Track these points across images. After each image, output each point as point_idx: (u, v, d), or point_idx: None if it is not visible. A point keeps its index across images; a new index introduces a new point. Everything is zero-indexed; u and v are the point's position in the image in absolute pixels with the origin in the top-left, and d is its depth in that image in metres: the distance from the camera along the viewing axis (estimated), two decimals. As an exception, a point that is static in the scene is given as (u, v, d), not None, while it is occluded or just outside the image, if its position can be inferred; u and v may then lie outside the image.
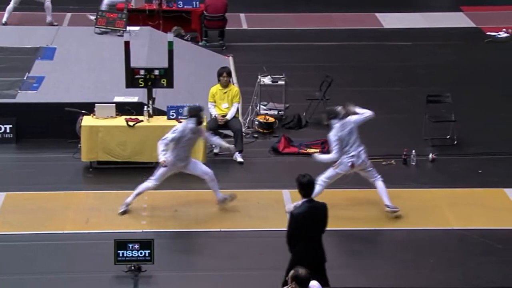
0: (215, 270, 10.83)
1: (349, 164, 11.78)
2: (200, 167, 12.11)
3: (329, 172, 11.90)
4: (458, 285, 9.69)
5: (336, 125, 11.79)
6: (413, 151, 13.64)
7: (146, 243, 10.21)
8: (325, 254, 9.54)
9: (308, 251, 9.39)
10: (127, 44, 13.50)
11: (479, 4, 22.10)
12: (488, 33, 20.02)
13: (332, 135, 11.78)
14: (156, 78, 13.52)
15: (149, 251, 10.17)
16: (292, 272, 8.29)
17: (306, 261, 9.13)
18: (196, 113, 11.86)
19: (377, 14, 21.45)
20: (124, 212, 11.96)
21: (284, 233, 11.49)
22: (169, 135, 11.75)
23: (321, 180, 11.84)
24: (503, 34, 19.87)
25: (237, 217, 12.04)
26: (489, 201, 12.40)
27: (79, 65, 15.86)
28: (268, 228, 11.76)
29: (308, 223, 9.38)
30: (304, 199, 9.44)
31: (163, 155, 11.67)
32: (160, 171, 11.86)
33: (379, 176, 11.96)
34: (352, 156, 11.77)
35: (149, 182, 11.90)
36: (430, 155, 13.79)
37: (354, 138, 11.80)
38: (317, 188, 11.57)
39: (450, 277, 9.92)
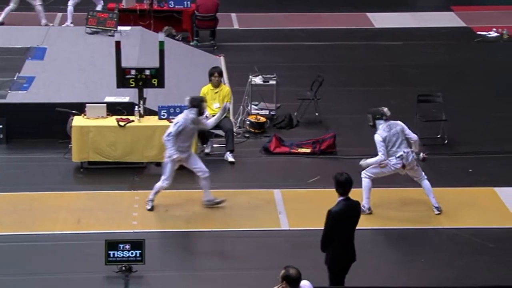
0: (206, 270, 10.83)
1: (399, 165, 11.81)
2: (200, 163, 12.09)
3: (374, 167, 11.89)
4: (449, 284, 9.71)
5: (381, 126, 11.81)
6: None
7: (137, 244, 10.21)
8: (355, 253, 9.58)
9: (343, 249, 9.46)
10: (118, 44, 13.49)
11: (470, 4, 22.15)
12: (479, 32, 20.07)
13: (377, 136, 11.82)
14: (147, 78, 13.50)
15: (140, 251, 10.17)
16: (282, 271, 8.28)
17: (343, 259, 9.34)
18: (198, 103, 11.88)
19: (368, 14, 21.47)
20: (152, 208, 12.02)
21: (275, 233, 11.65)
22: (172, 129, 11.73)
23: (365, 174, 11.90)
24: (493, 34, 19.93)
25: (228, 217, 12.04)
26: (479, 200, 12.43)
27: (69, 65, 15.83)
28: (259, 228, 11.77)
29: (345, 221, 9.44)
30: (341, 197, 9.47)
31: (174, 152, 11.67)
32: (168, 168, 11.85)
33: (425, 176, 11.99)
34: (400, 157, 11.78)
35: (163, 182, 11.91)
36: (421, 155, 13.81)
37: (401, 139, 11.84)
38: (365, 182, 11.77)
39: (442, 276, 9.94)
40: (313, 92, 15.43)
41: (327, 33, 20.36)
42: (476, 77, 17.53)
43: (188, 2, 19.24)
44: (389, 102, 16.07)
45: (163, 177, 11.94)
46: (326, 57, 18.97)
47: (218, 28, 19.26)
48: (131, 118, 13.44)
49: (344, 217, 9.42)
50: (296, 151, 14.07)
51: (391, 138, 11.80)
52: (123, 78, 13.50)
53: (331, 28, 20.62)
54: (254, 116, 14.99)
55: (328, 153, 14.01)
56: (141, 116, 13.45)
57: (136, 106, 13.55)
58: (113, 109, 13.71)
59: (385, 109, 12.01)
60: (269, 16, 21.37)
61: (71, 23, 19.20)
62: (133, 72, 13.50)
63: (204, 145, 13.97)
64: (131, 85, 13.55)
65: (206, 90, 14.06)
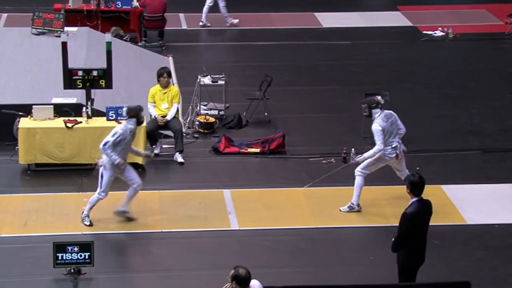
0: (156, 271, 10.79)
1: (393, 155, 11.85)
2: (134, 173, 11.80)
3: (368, 162, 11.89)
4: (397, 281, 9.80)
5: (378, 115, 11.81)
6: (353, 149, 13.76)
7: (85, 246, 10.13)
8: (425, 254, 9.60)
9: (416, 250, 9.47)
10: (64, 44, 13.37)
11: (416, 3, 22.41)
12: (425, 32, 20.33)
13: (376, 126, 11.79)
14: (94, 79, 13.40)
15: (89, 253, 10.09)
16: (232, 271, 8.29)
17: (415, 260, 9.36)
18: (136, 113, 11.66)
19: (316, 14, 21.59)
20: (91, 224, 11.64)
21: (225, 233, 11.67)
22: (110, 138, 11.41)
23: (359, 171, 11.91)
24: (439, 33, 20.21)
25: (178, 217, 12.01)
26: (427, 198, 12.56)
27: (15, 67, 15.62)
28: (210, 228, 11.76)
29: (419, 222, 9.44)
30: (415, 198, 9.45)
31: (116, 158, 11.36)
32: (105, 181, 11.49)
33: (407, 171, 12.05)
34: (395, 147, 11.85)
35: (100, 195, 11.57)
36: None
37: (396, 130, 11.89)
38: (358, 179, 11.79)
39: (389, 273, 10.02)
40: (262, 92, 15.47)
41: (276, 32, 20.44)
42: (422, 76, 17.74)
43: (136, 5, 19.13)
44: (337, 101, 16.27)
45: (99, 189, 11.52)
46: (275, 57, 19.03)
47: (166, 28, 19.20)
48: (78, 119, 13.34)
49: (418, 218, 9.42)
50: (245, 151, 14.09)
51: (389, 128, 11.83)
52: (70, 79, 13.39)
53: (280, 28, 20.70)
54: (203, 116, 14.98)
55: (277, 153, 14.06)
56: (89, 117, 13.35)
57: (84, 107, 13.45)
58: (60, 110, 13.58)
59: (379, 97, 12.00)
60: (218, 16, 21.36)
61: None
62: (80, 73, 13.39)
63: (153, 146, 13.91)
64: (78, 86, 13.45)
65: (155, 90, 14.01)
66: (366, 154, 11.95)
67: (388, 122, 11.88)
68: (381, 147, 11.78)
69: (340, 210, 12.04)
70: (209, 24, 20.41)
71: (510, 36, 20.16)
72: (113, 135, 11.46)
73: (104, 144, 11.42)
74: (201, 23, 20.40)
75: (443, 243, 11.33)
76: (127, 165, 11.75)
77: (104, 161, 11.49)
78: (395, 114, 12.05)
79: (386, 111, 11.97)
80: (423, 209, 9.52)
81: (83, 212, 11.73)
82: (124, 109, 11.91)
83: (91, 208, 11.69)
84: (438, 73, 18.00)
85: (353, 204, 12.02)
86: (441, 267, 10.69)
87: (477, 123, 15.37)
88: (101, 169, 11.52)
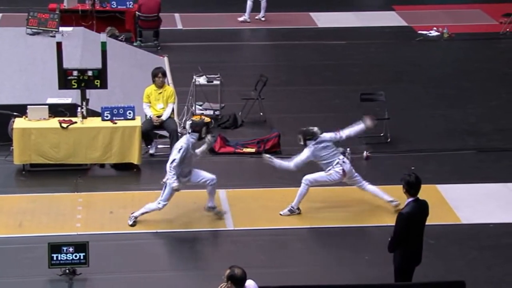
0: (151, 271, 10.78)
1: (340, 174, 11.85)
2: (203, 174, 11.86)
3: (320, 175, 11.90)
4: (392, 281, 9.81)
5: (311, 145, 11.82)
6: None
7: (80, 246, 10.13)
8: (421, 255, 9.60)
9: (413, 250, 9.47)
10: (59, 45, 13.36)
11: (411, 3, 22.44)
12: (420, 31, 20.35)
13: (304, 154, 11.82)
14: (89, 79, 13.39)
15: (84, 253, 10.09)
16: (227, 271, 8.29)
17: (411, 260, 9.35)
18: (200, 128, 11.70)
19: (311, 14, 21.60)
20: (134, 224, 11.70)
21: (220, 233, 11.66)
22: (177, 156, 11.44)
23: (307, 180, 11.92)
24: (434, 33, 20.23)
25: (173, 217, 12.00)
26: (422, 197, 12.56)
27: (10, 67, 15.59)
28: (205, 228, 11.75)
29: (415, 222, 9.44)
30: (411, 198, 9.45)
31: (175, 180, 11.44)
32: (167, 191, 11.55)
33: (365, 182, 12.05)
34: (338, 163, 11.84)
35: (159, 204, 11.60)
36: (364, 153, 13.96)
37: (333, 150, 11.87)
38: (303, 188, 11.82)
39: (385, 273, 10.03)
40: (257, 92, 15.47)
41: (271, 32, 20.45)
42: (418, 76, 17.76)
43: (131, 2, 19.13)
44: (333, 101, 16.28)
45: (159, 198, 11.64)
46: (270, 56, 19.04)
47: (161, 28, 19.20)
48: (73, 119, 13.32)
49: (414, 218, 9.42)
50: (241, 151, 14.09)
51: (321, 154, 11.80)
52: (65, 79, 13.37)
53: (275, 27, 20.70)
54: (199, 116, 14.96)
55: (272, 153, 14.00)
56: (84, 117, 13.33)
57: (79, 108, 13.44)
58: (55, 110, 13.56)
59: (316, 129, 11.95)
60: (213, 16, 21.38)
61: None
62: (75, 73, 13.38)
63: (149, 146, 13.91)
64: (73, 86, 13.44)
65: (150, 91, 13.99)
66: (279, 162, 11.99)
67: (319, 147, 11.80)
68: (292, 166, 11.87)
69: (280, 214, 12.01)
70: (249, 21, 20.48)
71: (505, 36, 20.20)
72: (179, 151, 11.51)
73: (172, 163, 11.47)
74: (242, 18, 20.57)
75: (438, 242, 11.34)
76: (193, 172, 11.77)
77: (169, 178, 11.53)
78: (329, 137, 11.89)
79: (319, 140, 11.83)
80: (419, 209, 9.52)
81: (133, 212, 11.73)
82: (188, 123, 11.88)
83: (143, 214, 11.71)
84: (434, 73, 18.02)
85: (293, 207, 12.02)
86: (436, 266, 10.70)
87: (473, 123, 15.39)
88: (164, 180, 11.63)
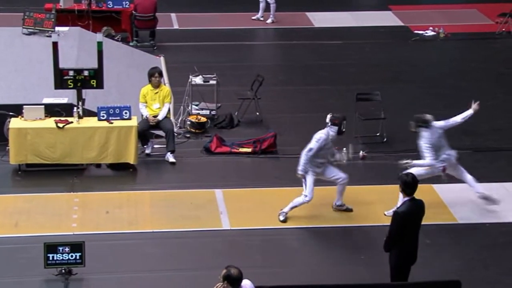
0: (148, 271, 10.77)
1: (441, 169, 11.90)
2: (336, 171, 11.94)
3: (419, 170, 11.89)
4: (388, 281, 9.81)
5: (425, 133, 11.86)
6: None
7: (77, 246, 10.11)
8: (417, 254, 9.63)
9: (408, 249, 9.49)
10: (55, 44, 13.34)
11: (407, 3, 22.45)
12: (416, 31, 20.36)
13: (422, 142, 11.87)
14: (85, 79, 13.38)
15: (80, 253, 10.07)
16: (224, 271, 8.29)
17: (407, 259, 9.38)
18: (340, 121, 11.76)
19: (307, 14, 21.61)
20: (285, 220, 11.80)
21: (217, 233, 11.66)
22: (314, 145, 11.62)
23: None
24: (430, 33, 20.25)
25: (170, 217, 11.99)
26: (419, 197, 12.55)
27: (6, 67, 15.57)
28: (201, 228, 11.75)
29: (411, 222, 9.46)
30: (407, 198, 9.49)
31: (303, 168, 11.59)
32: (308, 184, 11.69)
33: (464, 170, 12.11)
34: (442, 160, 11.88)
35: (305, 198, 11.73)
36: (361, 153, 13.96)
37: (443, 142, 11.92)
38: None
39: (381, 273, 10.03)
40: (253, 91, 15.47)
41: (267, 32, 20.45)
42: (414, 75, 17.77)
43: (127, 2, 19.12)
44: (329, 101, 16.28)
45: (304, 192, 11.74)
46: (266, 56, 19.04)
47: (157, 28, 19.19)
48: (69, 119, 13.30)
49: (410, 218, 9.45)
50: (237, 150, 14.09)
51: (435, 143, 11.85)
52: (61, 79, 13.35)
53: (271, 27, 20.70)
54: (195, 116, 14.97)
55: (269, 153, 14.06)
56: (80, 117, 13.32)
57: (75, 107, 13.42)
58: (51, 110, 13.54)
59: (429, 116, 12.03)
60: (209, 16, 21.37)
61: None
62: (71, 73, 13.36)
63: (145, 146, 13.89)
64: (69, 86, 13.42)
65: (146, 90, 13.98)
66: (415, 162, 11.94)
67: (434, 137, 11.87)
68: (430, 162, 11.84)
69: (384, 214, 12.03)
70: (261, 19, 20.72)
71: (500, 35, 20.21)
72: (317, 141, 11.66)
73: (308, 151, 11.61)
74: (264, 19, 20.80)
75: (435, 242, 11.35)
76: (327, 165, 11.85)
77: (303, 168, 11.67)
78: (440, 125, 12.01)
79: (433, 127, 11.92)
80: (415, 208, 9.53)
81: (282, 209, 11.82)
82: (328, 116, 11.89)
83: (292, 208, 11.81)
84: (430, 73, 18.03)
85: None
86: (432, 266, 10.70)
87: (469, 123, 15.24)
88: (299, 173, 11.73)
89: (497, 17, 20.63)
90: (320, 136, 11.73)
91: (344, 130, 11.89)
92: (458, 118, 12.23)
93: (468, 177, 12.20)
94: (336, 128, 11.75)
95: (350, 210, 12.13)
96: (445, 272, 10.64)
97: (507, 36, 20.14)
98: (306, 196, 11.76)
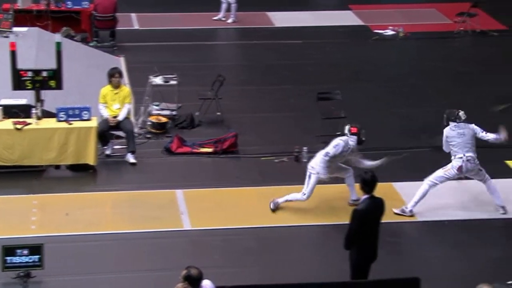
0: (108, 273, 10.72)
1: (457, 167, 11.84)
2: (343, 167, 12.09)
3: (438, 172, 11.94)
4: (349, 279, 9.86)
5: (453, 128, 11.89)
6: (305, 148, 13.84)
7: (35, 248, 10.02)
8: (377, 252, 9.67)
9: (367, 247, 9.53)
10: (12, 45, 13.21)
11: (367, 3, 22.59)
12: (376, 31, 20.50)
13: (444, 135, 11.94)
14: (44, 80, 13.27)
15: (39, 256, 9.99)
16: (184, 271, 8.29)
17: (366, 257, 9.43)
18: (359, 131, 11.90)
19: (268, 13, 21.64)
20: (274, 210, 12.00)
21: (178, 233, 11.64)
22: (331, 150, 11.74)
23: (429, 181, 11.96)
24: (389, 32, 20.39)
25: (130, 218, 11.95)
26: (379, 195, 12.64)
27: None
28: (162, 228, 11.72)
29: (370, 219, 9.50)
30: (366, 195, 9.54)
31: (325, 172, 11.69)
32: (312, 183, 11.77)
33: (488, 177, 12.07)
34: (460, 158, 11.82)
35: (304, 195, 11.85)
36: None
37: (465, 142, 11.84)
38: (425, 187, 11.89)
39: (341, 271, 10.06)
40: (214, 91, 15.46)
41: (228, 32, 20.45)
42: (374, 75, 17.89)
43: (87, 2, 19.00)
44: (290, 101, 16.33)
45: (303, 190, 11.84)
46: (227, 56, 19.03)
47: (118, 28, 19.10)
48: (28, 120, 13.19)
49: (369, 215, 9.50)
50: (198, 151, 14.07)
51: (455, 138, 11.83)
52: (19, 80, 13.23)
53: (232, 27, 20.70)
54: (155, 117, 14.92)
55: (230, 152, 14.06)
56: (38, 118, 13.21)
57: (33, 109, 13.30)
58: (9, 112, 13.40)
59: (461, 113, 12.03)
60: (170, 16, 21.31)
61: None
62: (29, 73, 13.24)
63: (105, 147, 13.82)
64: (28, 87, 13.29)
65: (106, 91, 13.91)
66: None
67: (455, 131, 11.87)
68: (445, 149, 11.88)
69: (395, 212, 12.10)
70: (223, 19, 20.72)
71: (459, 34, 20.42)
72: (334, 147, 11.77)
73: (325, 155, 11.70)
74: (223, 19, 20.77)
75: (395, 240, 11.44)
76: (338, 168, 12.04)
77: (316, 168, 11.73)
78: (473, 127, 11.98)
79: (462, 124, 11.94)
80: (374, 206, 9.61)
81: (275, 198, 11.95)
82: (347, 126, 11.99)
83: (286, 201, 12.00)
84: (390, 72, 18.16)
85: (406, 208, 12.12)
86: (392, 263, 10.77)
87: (428, 121, 15.52)
88: (309, 170, 11.80)
89: (456, 16, 20.85)
90: (338, 142, 11.87)
91: (363, 139, 11.99)
92: (487, 137, 12.05)
93: (492, 185, 12.12)
94: (355, 137, 11.90)
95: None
96: (404, 269, 10.73)
97: (465, 35, 20.37)
98: (304, 194, 11.87)
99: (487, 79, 17.59)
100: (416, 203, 12.07)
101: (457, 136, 11.93)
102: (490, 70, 18.25)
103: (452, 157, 11.98)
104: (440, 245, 11.56)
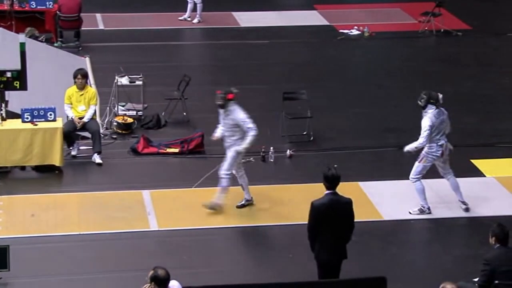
0: (75, 274, 10.66)
1: (439, 152, 11.87)
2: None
3: (417, 167, 11.96)
4: (312, 279, 9.90)
5: (432, 111, 11.80)
6: (271, 148, 13.87)
7: (1, 250, 9.94)
8: (346, 251, 9.63)
9: (329, 245, 9.48)
10: (-24, 45, 13.11)
11: (332, 3, 22.69)
12: (341, 30, 20.60)
13: (425, 122, 11.80)
14: (8, 81, 13.16)
15: (4, 257, 9.90)
16: (151, 272, 8.27)
17: (328, 255, 9.39)
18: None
19: (234, 13, 21.65)
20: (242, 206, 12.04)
21: (144, 234, 11.62)
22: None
23: (412, 178, 11.98)
24: (355, 32, 20.50)
25: (97, 219, 11.89)
26: (345, 195, 12.71)
27: None
28: (128, 229, 11.68)
29: (329, 216, 9.41)
30: (328, 191, 9.46)
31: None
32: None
33: (452, 172, 12.14)
34: (441, 145, 11.88)
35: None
36: (288, 152, 14.06)
37: (443, 128, 11.90)
38: (416, 185, 11.91)
39: (309, 271, 10.09)
40: (180, 91, 15.44)
41: (194, 32, 20.43)
42: (339, 74, 17.98)
43: (51, 3, 18.86)
44: (256, 101, 16.34)
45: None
46: (193, 56, 19.00)
47: (82, 28, 18.99)
48: (-8, 122, 13.08)
49: (328, 211, 9.41)
50: (164, 151, 14.04)
51: (438, 125, 11.84)
52: (-18, 80, 13.11)
53: (197, 27, 20.68)
54: (121, 117, 14.86)
55: (196, 152, 14.06)
56: (3, 119, 13.10)
57: (-3, 110, 13.20)
58: (-27, 113, 13.29)
59: (440, 96, 11.95)
60: (135, 16, 21.24)
61: None
62: (-7, 74, 13.13)
63: (71, 147, 13.74)
64: (-9, 88, 13.18)
65: (71, 92, 13.83)
66: (410, 146, 12.04)
67: (438, 119, 11.89)
68: (423, 141, 11.84)
69: (409, 212, 12.17)
70: (189, 19, 20.63)
71: (423, 34, 20.60)
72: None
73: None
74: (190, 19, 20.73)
75: (361, 239, 11.46)
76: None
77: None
78: (446, 112, 12.07)
79: (441, 109, 11.96)
80: (335, 203, 9.50)
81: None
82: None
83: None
84: (355, 71, 18.27)
85: (423, 207, 12.16)
86: (359, 263, 10.82)
87: (394, 120, 15.64)
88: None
89: (420, 15, 21.02)
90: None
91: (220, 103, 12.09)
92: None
93: (454, 182, 12.21)
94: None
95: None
96: (371, 268, 10.79)
97: (430, 35, 20.55)
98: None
99: (452, 79, 17.76)
100: (425, 199, 12.14)
101: (439, 123, 11.97)
102: (454, 69, 18.43)
103: (432, 144, 11.90)
104: (406, 244, 11.64)
